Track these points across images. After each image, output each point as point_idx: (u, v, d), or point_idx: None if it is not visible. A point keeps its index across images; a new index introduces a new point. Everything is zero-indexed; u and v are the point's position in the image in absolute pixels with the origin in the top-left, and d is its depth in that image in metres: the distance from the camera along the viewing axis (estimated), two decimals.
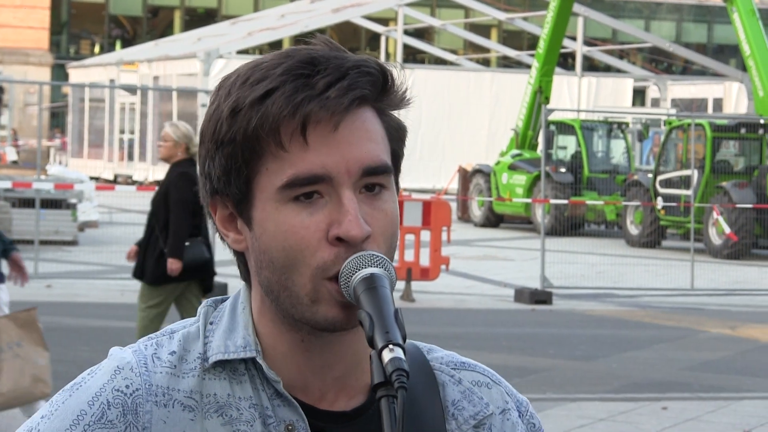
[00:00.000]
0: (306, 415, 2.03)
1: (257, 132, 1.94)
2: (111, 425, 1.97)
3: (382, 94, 2.01)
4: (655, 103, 47.14)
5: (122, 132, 51.33)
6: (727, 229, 30.52)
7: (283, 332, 2.04)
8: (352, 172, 1.96)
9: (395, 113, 2.06)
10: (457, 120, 45.44)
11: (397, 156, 2.05)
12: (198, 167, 2.08)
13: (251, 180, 1.98)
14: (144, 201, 34.96)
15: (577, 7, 37.86)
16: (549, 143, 31.23)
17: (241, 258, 2.09)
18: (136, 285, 22.33)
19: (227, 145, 1.97)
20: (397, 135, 2.05)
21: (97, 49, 67.31)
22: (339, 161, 1.95)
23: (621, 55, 49.97)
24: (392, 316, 1.90)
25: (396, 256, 1.98)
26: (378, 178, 1.99)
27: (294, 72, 1.94)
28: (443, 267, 21.29)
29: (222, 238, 2.10)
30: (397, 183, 2.09)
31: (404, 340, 1.88)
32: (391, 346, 1.85)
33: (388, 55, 51.26)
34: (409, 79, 46.76)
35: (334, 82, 1.93)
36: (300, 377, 2.06)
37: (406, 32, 49.97)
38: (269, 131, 1.93)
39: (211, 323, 2.08)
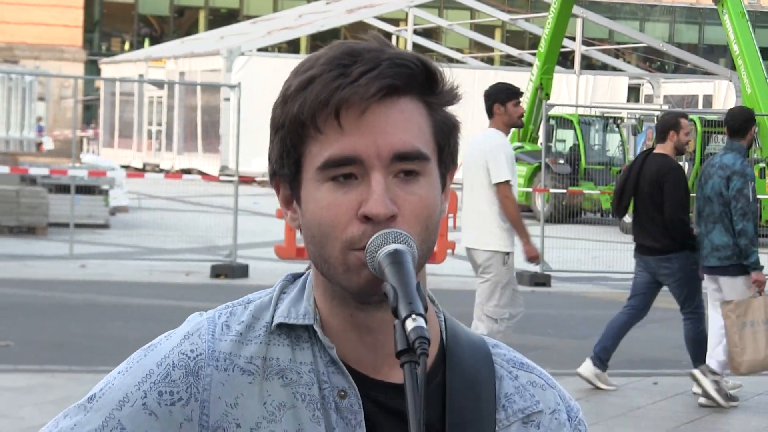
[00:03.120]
0: (361, 384, 2.04)
1: (300, 117, 1.97)
2: (173, 384, 2.00)
3: (425, 88, 2.02)
4: (649, 99, 46.95)
5: (150, 124, 51.23)
6: None
7: (334, 307, 2.06)
8: (383, 156, 1.97)
9: (447, 109, 2.07)
10: (462, 115, 45.27)
11: (442, 149, 2.05)
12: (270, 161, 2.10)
13: (299, 162, 2.01)
14: (170, 188, 35.03)
15: (576, 9, 37.67)
16: (549, 136, 31.07)
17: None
18: (163, 265, 22.46)
19: (280, 129, 2.02)
20: (445, 129, 2.06)
21: (127, 46, 67.20)
22: (370, 145, 1.96)
23: (617, 54, 49.78)
24: (414, 289, 1.90)
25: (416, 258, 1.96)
26: (412, 164, 1.99)
27: (335, 62, 1.97)
28: (449, 251, 21.29)
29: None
30: (444, 176, 2.09)
31: (425, 311, 1.88)
32: (414, 315, 1.85)
33: None
34: None
35: (366, 71, 1.95)
36: (354, 351, 2.06)
37: (416, 32, 49.80)
38: (308, 116, 1.96)
39: (284, 293, 2.11)
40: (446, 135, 2.06)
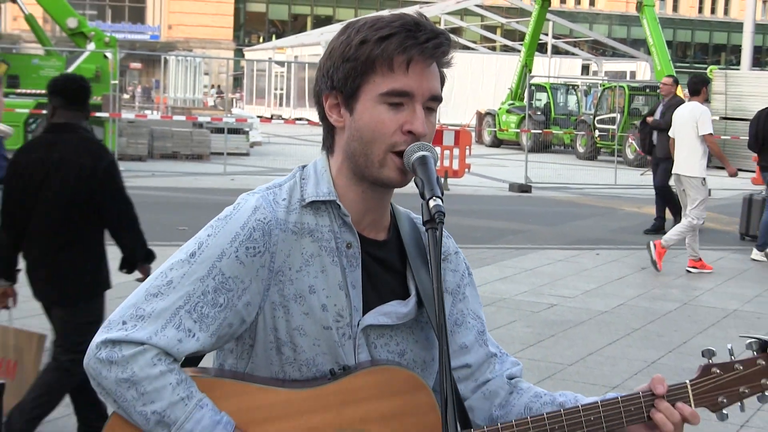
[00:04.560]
0: (359, 239, 2.03)
1: (375, 58, 1.93)
2: (255, 242, 1.95)
3: (443, 57, 2.01)
4: (595, 74, 46.56)
5: (275, 89, 51.27)
6: (638, 148, 30.42)
7: (352, 185, 2.03)
8: (425, 96, 1.96)
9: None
10: (476, 83, 45.25)
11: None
12: (320, 75, 2.03)
13: (360, 85, 1.95)
14: (288, 130, 35.29)
15: (548, 15, 37.52)
16: (530, 97, 31.03)
17: (331, 133, 2.06)
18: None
19: (351, 61, 1.95)
20: (443, 82, 2.05)
21: (261, 39, 67.07)
22: (421, 86, 1.95)
23: (575, 44, 49.30)
24: (435, 181, 1.90)
25: (438, 163, 1.98)
26: (434, 103, 1.99)
27: (406, 27, 1.93)
28: (467, 170, 21.22)
29: (326, 118, 2.04)
30: None
31: (441, 192, 1.88)
32: (434, 197, 1.85)
33: None
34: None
35: (431, 38, 1.94)
36: (357, 216, 2.04)
37: (447, 28, 49.65)
38: (387, 58, 1.93)
39: (303, 179, 2.06)
40: (442, 86, 2.05)
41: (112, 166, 5.17)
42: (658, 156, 15.20)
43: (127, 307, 1.92)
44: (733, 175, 13.14)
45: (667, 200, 15.19)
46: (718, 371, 2.03)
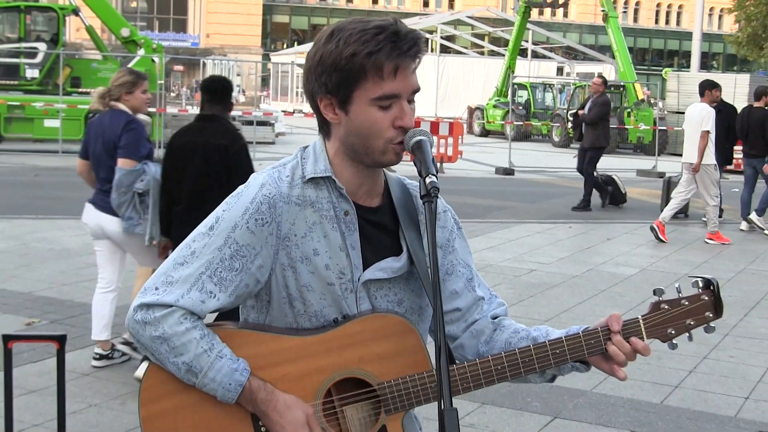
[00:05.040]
0: (356, 207, 2.03)
1: (367, 69, 1.91)
2: (263, 214, 1.97)
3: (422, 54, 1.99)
4: (568, 75, 46.28)
5: (297, 88, 51.10)
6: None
7: (347, 166, 2.02)
8: (409, 92, 1.96)
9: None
10: (467, 83, 45.05)
11: None
12: (312, 77, 1.99)
13: (353, 92, 1.93)
14: (308, 122, 35.12)
15: (528, 25, 37.35)
16: (513, 94, 30.99)
17: (326, 123, 2.03)
18: None
19: (344, 71, 1.92)
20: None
21: (284, 45, 66.82)
22: (406, 87, 1.95)
23: (551, 50, 49.02)
24: (431, 161, 1.91)
25: (434, 150, 2.05)
26: (413, 96, 1.99)
27: (390, 39, 1.90)
28: (459, 156, 21.15)
29: (320, 113, 2.03)
30: None
31: (437, 171, 1.89)
32: (430, 175, 1.87)
33: (432, 49, 50.63)
34: (444, 61, 46.51)
35: (412, 46, 1.92)
36: (352, 188, 2.03)
37: (441, 37, 49.44)
38: (376, 70, 1.91)
39: (304, 159, 2.05)
40: None
41: (243, 149, 5.61)
42: (584, 145, 15.05)
43: (159, 275, 1.98)
44: (696, 170, 13.08)
45: (593, 183, 15.05)
46: (666, 307, 2.02)
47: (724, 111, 13.50)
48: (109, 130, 5.76)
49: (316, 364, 1.93)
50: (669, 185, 14.36)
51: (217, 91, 5.76)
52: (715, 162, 12.16)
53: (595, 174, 15.18)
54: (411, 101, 1.98)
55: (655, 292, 2.03)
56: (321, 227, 1.99)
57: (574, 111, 16.32)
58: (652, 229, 12.17)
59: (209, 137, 5.56)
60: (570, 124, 15.35)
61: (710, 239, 12.24)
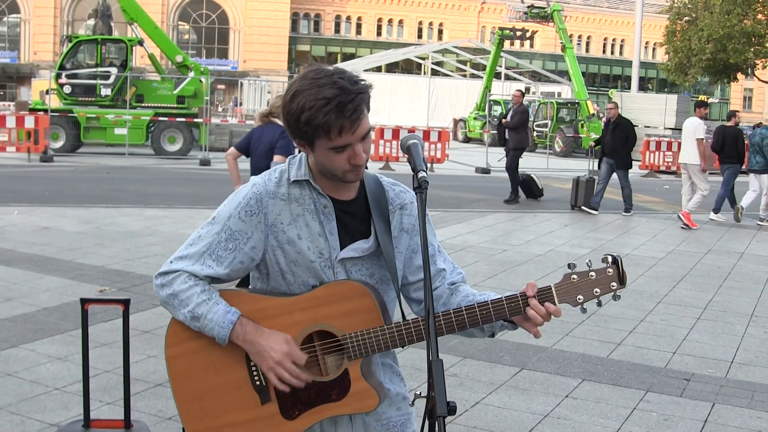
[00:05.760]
0: (333, 201, 2.04)
1: (318, 130, 1.91)
2: (251, 207, 2.02)
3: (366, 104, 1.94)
4: (534, 93, 46.10)
5: None
6: (563, 145, 30.32)
7: (322, 177, 2.04)
8: (358, 139, 1.93)
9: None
10: (453, 100, 44.88)
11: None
12: (286, 124, 1.97)
13: (314, 141, 1.95)
14: None
15: (502, 53, 37.25)
16: (489, 109, 30.87)
17: (306, 154, 2.05)
18: None
19: (304, 130, 1.93)
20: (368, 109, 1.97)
21: (301, 69, 66.46)
22: (355, 137, 1.92)
23: (520, 73, 48.76)
24: (422, 159, 1.94)
25: (426, 153, 1.98)
26: (367, 135, 1.96)
27: (338, 107, 1.87)
28: (446, 158, 21.06)
29: (299, 151, 2.05)
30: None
31: (426, 167, 1.89)
32: (421, 170, 1.89)
33: (424, 72, 50.42)
34: (434, 82, 46.34)
35: (354, 110, 1.88)
36: (328, 187, 2.04)
37: (432, 63, 49.25)
38: (327, 132, 1.90)
39: (291, 165, 2.07)
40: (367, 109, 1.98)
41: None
42: (509, 146, 14.80)
43: (176, 252, 2.07)
44: (704, 170, 13.08)
45: (515, 179, 14.83)
46: (575, 278, 2.00)
47: (621, 124, 13.49)
48: (268, 137, 6.11)
49: (294, 319, 1.97)
50: (578, 183, 13.99)
51: None
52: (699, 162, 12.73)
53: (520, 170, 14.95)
54: (365, 138, 1.95)
55: (568, 266, 2.00)
56: (303, 218, 2.01)
57: (498, 120, 16.20)
58: (679, 218, 12.50)
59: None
60: (495, 131, 15.31)
61: (683, 216, 12.41)
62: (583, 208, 13.56)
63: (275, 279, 2.04)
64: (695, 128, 12.70)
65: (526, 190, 15.47)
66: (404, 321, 1.97)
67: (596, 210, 13.51)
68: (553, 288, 1.99)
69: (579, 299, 1.98)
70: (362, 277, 2.05)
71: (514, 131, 14.79)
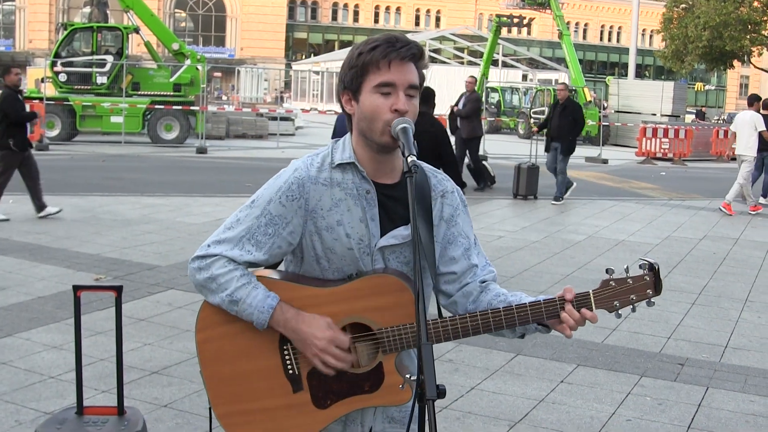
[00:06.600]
0: (375, 185, 2.02)
1: (369, 63, 1.93)
2: (293, 191, 1.99)
3: (417, 59, 1.97)
4: (531, 81, 46.00)
5: (313, 90, 50.79)
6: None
7: (365, 152, 2.01)
8: (405, 84, 1.93)
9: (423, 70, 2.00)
10: (451, 87, 44.68)
11: (420, 88, 2.00)
12: (339, 80, 2.01)
13: (361, 83, 1.95)
14: (323, 118, 35.05)
15: (499, 41, 37.12)
16: (487, 95, 30.82)
17: (350, 119, 2.04)
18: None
19: (354, 68, 1.96)
20: (422, 78, 1.99)
21: (303, 56, 66.30)
22: (401, 78, 1.92)
23: (517, 60, 48.69)
24: (412, 143, 1.88)
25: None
26: (413, 90, 1.95)
27: (388, 40, 1.93)
28: None
29: (343, 109, 2.03)
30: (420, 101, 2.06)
31: (417, 153, 1.85)
32: (411, 155, 1.84)
33: None
34: (431, 70, 46.27)
35: (404, 46, 1.93)
36: (372, 171, 2.02)
37: (429, 50, 49.21)
38: (374, 63, 1.92)
39: (334, 149, 2.05)
40: (422, 81, 1.99)
41: (444, 132, 6.77)
42: (463, 136, 14.08)
43: (213, 236, 2.03)
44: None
45: (478, 168, 14.29)
46: (613, 284, 1.99)
47: (569, 106, 12.94)
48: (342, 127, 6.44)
49: (331, 310, 1.96)
50: (519, 171, 13.53)
51: (426, 96, 6.95)
52: (755, 155, 12.88)
53: (466, 160, 14.26)
54: (411, 96, 1.94)
55: (607, 271, 2.00)
56: (345, 203, 1.99)
57: (450, 109, 15.06)
58: (720, 209, 12.74)
59: (421, 127, 6.12)
60: (458, 120, 14.52)
61: (724, 208, 12.71)
62: (553, 203, 12.94)
63: (309, 264, 2.02)
64: (755, 121, 12.83)
65: (484, 180, 14.94)
66: (441, 318, 1.97)
67: (560, 200, 13.00)
68: (591, 294, 1.98)
69: (615, 305, 1.99)
70: (399, 264, 2.03)
71: (466, 120, 13.94)
